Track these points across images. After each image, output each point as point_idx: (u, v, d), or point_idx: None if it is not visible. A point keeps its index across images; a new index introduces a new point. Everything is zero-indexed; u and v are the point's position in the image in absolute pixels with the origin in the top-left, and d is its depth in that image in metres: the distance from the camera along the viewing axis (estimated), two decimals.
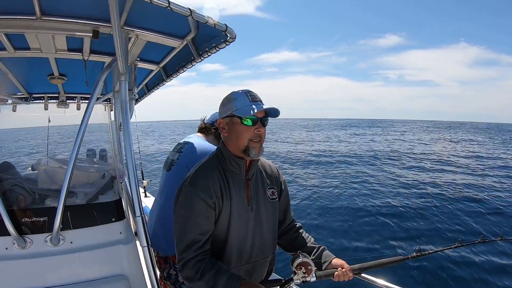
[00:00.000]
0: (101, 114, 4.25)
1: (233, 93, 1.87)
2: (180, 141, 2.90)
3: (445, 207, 11.32)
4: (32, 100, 4.33)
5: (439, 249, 2.26)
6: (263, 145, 1.87)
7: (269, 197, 1.98)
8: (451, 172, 18.73)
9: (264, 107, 1.78)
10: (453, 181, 15.87)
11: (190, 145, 2.74)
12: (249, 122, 1.78)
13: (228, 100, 1.85)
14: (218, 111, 1.92)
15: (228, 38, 2.27)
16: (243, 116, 1.77)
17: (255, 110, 1.75)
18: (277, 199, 2.04)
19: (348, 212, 11.06)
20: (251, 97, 1.81)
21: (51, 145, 4.89)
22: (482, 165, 21.31)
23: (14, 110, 4.33)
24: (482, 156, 25.47)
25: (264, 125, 1.83)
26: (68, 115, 4.38)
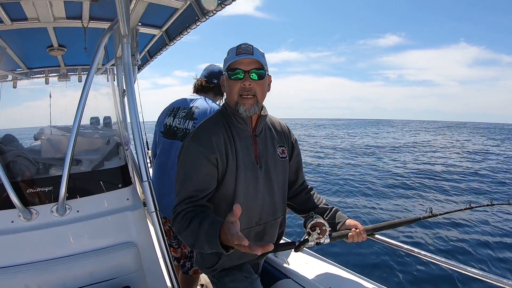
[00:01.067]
0: (103, 82, 4.17)
1: (230, 48, 1.82)
2: (179, 106, 2.78)
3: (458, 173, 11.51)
4: (32, 75, 4.24)
5: (450, 211, 2.24)
6: (261, 102, 1.81)
7: (279, 155, 1.91)
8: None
9: (247, 57, 1.70)
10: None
11: (201, 110, 2.63)
12: (234, 76, 1.73)
13: (225, 58, 1.82)
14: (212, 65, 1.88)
15: None
16: (223, 71, 1.80)
17: (231, 61, 1.71)
18: (287, 158, 1.97)
19: (360, 183, 11.19)
20: (238, 50, 1.74)
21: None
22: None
23: (14, 87, 4.25)
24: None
25: (255, 78, 1.72)
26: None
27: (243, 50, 1.72)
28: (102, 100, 3.72)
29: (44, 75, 4.29)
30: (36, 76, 4.27)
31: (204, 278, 3.30)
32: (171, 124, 2.71)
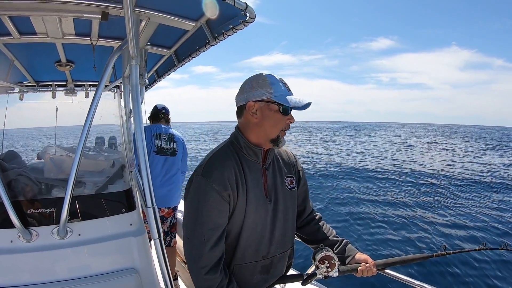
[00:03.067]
0: (110, 101, 4.15)
1: (266, 75, 1.71)
2: (159, 132, 3.98)
3: (471, 210, 11.30)
4: (39, 88, 4.23)
5: (463, 250, 2.21)
6: None
7: (287, 187, 1.85)
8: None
9: (305, 101, 1.67)
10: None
11: (177, 136, 4.12)
12: (286, 112, 1.66)
13: (263, 83, 1.68)
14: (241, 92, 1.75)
15: (248, 18, 2.11)
16: (284, 104, 1.65)
17: (300, 104, 1.65)
18: (295, 188, 1.91)
19: (370, 211, 11.03)
20: (287, 87, 1.71)
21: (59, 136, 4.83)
22: None
23: (21, 99, 4.24)
24: None
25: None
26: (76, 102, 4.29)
27: (289, 89, 1.71)
28: (108, 118, 3.71)
29: (51, 89, 4.28)
30: (43, 90, 4.26)
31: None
32: (160, 145, 3.91)
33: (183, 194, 1.73)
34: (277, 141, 1.70)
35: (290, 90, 1.71)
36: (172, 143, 4.02)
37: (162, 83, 3.75)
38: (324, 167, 21.06)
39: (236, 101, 1.79)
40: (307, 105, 1.67)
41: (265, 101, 1.66)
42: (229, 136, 1.83)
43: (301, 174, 2.00)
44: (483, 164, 24.14)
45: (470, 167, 22.30)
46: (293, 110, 1.69)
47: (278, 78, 1.71)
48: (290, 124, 1.73)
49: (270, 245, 1.76)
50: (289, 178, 1.89)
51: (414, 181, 16.62)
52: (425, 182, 16.32)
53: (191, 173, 1.69)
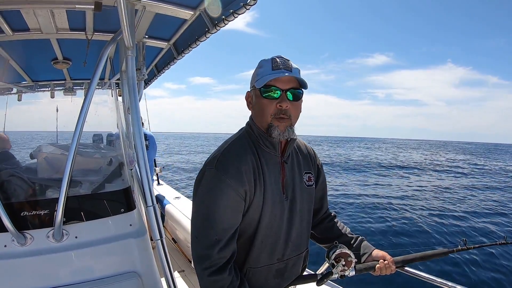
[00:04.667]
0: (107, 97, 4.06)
1: (261, 60, 1.57)
2: None
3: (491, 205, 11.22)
4: (37, 88, 4.15)
5: (484, 244, 2.09)
6: (293, 125, 1.57)
7: (305, 183, 1.70)
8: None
9: (286, 74, 1.47)
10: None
11: (147, 133, 4.83)
12: (270, 95, 1.49)
13: (255, 69, 1.57)
14: None
15: (249, 0, 1.98)
16: (256, 87, 1.52)
17: (269, 78, 1.47)
18: (313, 186, 1.77)
19: (390, 209, 10.97)
20: (274, 64, 1.51)
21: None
22: None
23: (19, 100, 4.17)
24: None
25: (290, 99, 1.51)
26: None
27: (280, 65, 1.50)
28: (106, 116, 3.61)
29: (49, 88, 4.20)
30: (41, 89, 4.19)
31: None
32: None
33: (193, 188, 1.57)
34: (269, 129, 1.53)
35: (278, 68, 1.50)
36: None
37: (159, 92, 3.69)
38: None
39: None
40: (302, 84, 1.52)
41: (252, 88, 1.58)
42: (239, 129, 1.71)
43: (320, 170, 1.87)
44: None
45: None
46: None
47: (274, 57, 1.54)
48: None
49: (285, 247, 1.62)
50: (308, 175, 1.75)
51: (432, 174, 16.60)
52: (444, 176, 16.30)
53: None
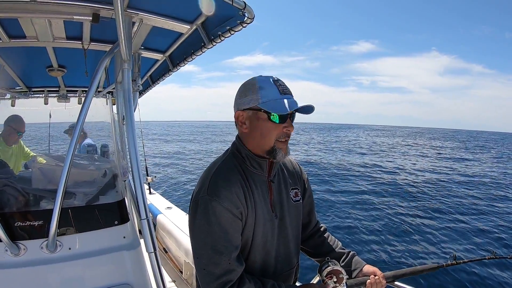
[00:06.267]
0: (102, 107, 4.06)
1: (257, 79, 1.53)
2: None
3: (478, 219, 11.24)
4: (31, 94, 4.14)
5: (473, 259, 2.10)
6: (288, 145, 1.59)
7: (292, 199, 1.73)
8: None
9: (299, 104, 1.48)
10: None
11: None
12: (278, 119, 1.48)
13: (251, 88, 1.52)
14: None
15: (246, 18, 1.99)
16: (272, 112, 1.46)
17: (288, 109, 1.44)
18: (301, 201, 1.80)
19: (377, 219, 10.93)
20: (281, 88, 1.50)
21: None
22: None
23: (13, 105, 4.16)
24: None
25: (292, 121, 1.54)
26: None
27: (285, 89, 1.51)
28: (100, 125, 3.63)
29: (43, 95, 4.19)
30: (35, 96, 4.18)
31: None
32: None
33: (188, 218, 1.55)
34: (272, 153, 1.53)
35: (285, 92, 1.50)
36: None
37: (142, 80, 3.60)
38: (318, 171, 21.03)
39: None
40: (307, 108, 1.50)
41: (252, 109, 1.51)
42: (226, 149, 1.71)
43: (306, 185, 1.89)
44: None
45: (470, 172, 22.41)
46: (297, 115, 1.53)
47: (273, 79, 1.53)
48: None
49: (276, 263, 1.65)
50: (294, 190, 1.77)
51: (415, 188, 16.59)
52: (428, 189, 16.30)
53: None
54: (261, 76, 1.56)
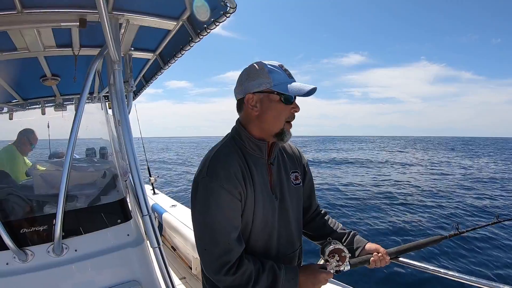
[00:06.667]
0: (97, 111, 4.08)
1: (263, 63, 1.57)
2: None
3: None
4: (28, 106, 4.17)
5: (477, 226, 2.08)
6: None
7: (292, 182, 1.75)
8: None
9: (309, 87, 1.50)
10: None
11: None
12: (288, 100, 1.53)
13: (261, 72, 1.55)
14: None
15: (228, 8, 2.00)
16: (285, 93, 1.51)
17: (303, 91, 1.50)
18: (301, 184, 1.81)
19: (377, 198, 10.95)
20: (287, 73, 1.57)
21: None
22: None
23: (10, 119, 4.19)
24: None
25: None
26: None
27: (291, 75, 1.58)
28: (97, 129, 3.65)
29: (40, 105, 4.22)
30: (32, 107, 4.21)
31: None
32: None
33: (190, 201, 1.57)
34: (282, 134, 1.57)
35: (291, 76, 1.57)
36: None
37: (137, 98, 3.63)
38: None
39: (235, 94, 1.68)
40: (312, 90, 1.50)
41: (264, 91, 1.54)
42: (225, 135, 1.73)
43: (306, 169, 1.91)
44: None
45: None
46: (297, 98, 1.55)
47: (277, 64, 1.58)
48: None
49: (279, 245, 1.66)
50: (294, 174, 1.79)
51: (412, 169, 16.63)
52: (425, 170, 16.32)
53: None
54: (265, 62, 1.59)
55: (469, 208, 9.72)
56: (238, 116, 1.69)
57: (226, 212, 1.46)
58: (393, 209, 10.49)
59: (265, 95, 1.54)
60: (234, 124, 1.71)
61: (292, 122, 1.60)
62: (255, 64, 1.58)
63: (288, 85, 1.52)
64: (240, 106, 1.66)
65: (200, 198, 1.47)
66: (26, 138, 4.20)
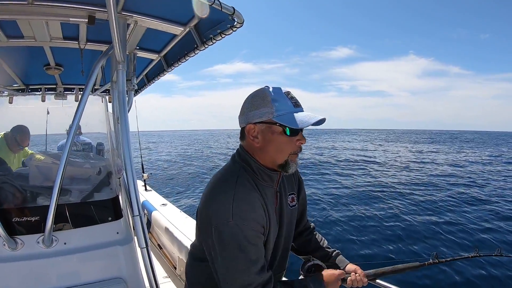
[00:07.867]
0: (97, 106, 4.10)
1: (268, 90, 1.48)
2: None
3: (462, 216, 11.17)
4: (28, 92, 4.19)
5: (456, 257, 2.11)
6: None
7: (289, 205, 1.74)
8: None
9: (316, 118, 1.42)
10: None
11: None
12: (292, 133, 1.45)
13: (264, 100, 1.46)
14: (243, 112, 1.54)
15: (236, 23, 2.06)
16: (288, 126, 1.42)
17: (308, 123, 1.41)
18: (296, 205, 1.81)
19: (357, 219, 10.91)
20: (293, 101, 1.47)
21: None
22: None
23: (10, 102, 4.20)
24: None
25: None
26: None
27: (297, 103, 1.48)
28: (96, 124, 3.68)
29: (40, 92, 4.24)
30: (32, 93, 4.22)
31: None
32: None
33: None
34: (285, 166, 1.51)
35: (298, 105, 1.47)
36: None
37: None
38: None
39: (239, 122, 1.58)
40: (319, 122, 1.42)
41: (266, 122, 1.45)
42: (230, 158, 1.65)
43: (301, 187, 1.90)
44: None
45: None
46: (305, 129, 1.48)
47: (284, 91, 1.48)
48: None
49: (271, 267, 1.64)
50: (291, 196, 1.78)
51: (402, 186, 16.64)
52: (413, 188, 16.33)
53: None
54: (268, 87, 1.51)
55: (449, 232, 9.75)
56: (233, 116, 1.67)
57: (258, 252, 1.41)
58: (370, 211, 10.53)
59: (267, 126, 1.46)
60: (238, 148, 1.64)
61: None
62: (260, 90, 1.51)
63: (295, 115, 1.44)
64: (242, 134, 1.58)
65: (231, 243, 1.37)
66: (16, 138, 4.27)
